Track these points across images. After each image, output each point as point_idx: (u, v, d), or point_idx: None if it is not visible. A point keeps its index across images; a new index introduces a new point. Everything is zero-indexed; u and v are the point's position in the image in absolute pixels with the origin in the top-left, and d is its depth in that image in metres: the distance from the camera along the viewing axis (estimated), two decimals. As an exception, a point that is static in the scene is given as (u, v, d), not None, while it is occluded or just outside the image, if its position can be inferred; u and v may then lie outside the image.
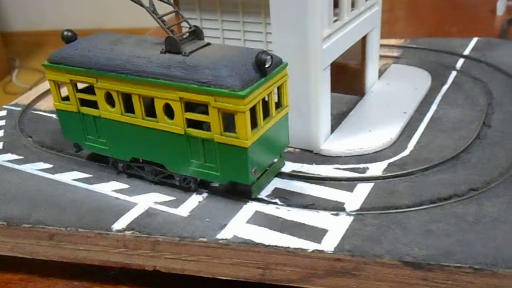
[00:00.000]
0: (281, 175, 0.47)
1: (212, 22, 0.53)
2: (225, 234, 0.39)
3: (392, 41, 0.79)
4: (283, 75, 0.42)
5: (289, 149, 0.51)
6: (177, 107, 0.41)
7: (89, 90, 0.47)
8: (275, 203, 0.43)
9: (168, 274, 0.41)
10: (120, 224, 0.42)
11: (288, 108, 0.44)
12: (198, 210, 0.43)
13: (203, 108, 0.41)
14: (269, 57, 0.39)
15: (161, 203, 0.44)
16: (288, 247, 0.38)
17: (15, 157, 0.54)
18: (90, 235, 0.42)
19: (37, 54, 2.78)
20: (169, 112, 0.42)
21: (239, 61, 0.40)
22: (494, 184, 0.43)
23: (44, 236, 0.43)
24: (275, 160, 0.45)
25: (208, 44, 0.43)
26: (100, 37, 0.48)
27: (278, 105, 0.43)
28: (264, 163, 0.43)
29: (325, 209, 0.42)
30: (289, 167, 0.48)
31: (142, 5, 0.43)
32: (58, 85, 0.48)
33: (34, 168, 0.51)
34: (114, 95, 0.44)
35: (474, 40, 0.77)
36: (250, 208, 0.42)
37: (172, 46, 0.42)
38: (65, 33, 0.48)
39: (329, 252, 0.37)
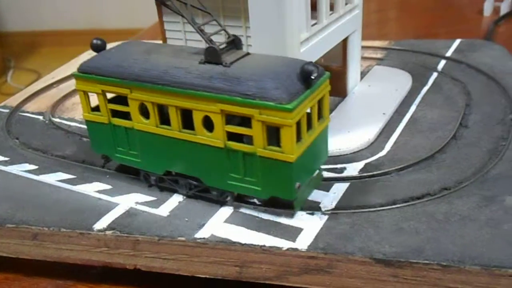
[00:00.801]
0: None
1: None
2: (203, 233, 0.41)
3: (377, 43, 0.80)
4: (326, 86, 0.41)
5: (270, 150, 0.52)
6: (217, 120, 0.39)
7: (119, 100, 0.45)
8: (253, 203, 0.44)
9: (149, 273, 0.42)
10: (101, 224, 0.43)
11: (329, 120, 0.43)
12: (178, 210, 0.44)
13: (238, 120, 0.39)
14: (315, 68, 0.38)
15: (142, 203, 0.45)
16: (264, 246, 0.39)
17: (1, 158, 0.55)
18: (73, 234, 0.43)
19: (32, 54, 2.78)
20: (207, 124, 0.40)
21: (283, 73, 0.38)
22: (466, 184, 0.44)
23: (28, 236, 0.44)
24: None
25: (248, 53, 0.42)
26: (132, 46, 0.46)
27: (319, 116, 0.41)
28: (307, 177, 0.42)
29: (301, 208, 0.43)
30: (268, 167, 0.49)
31: (182, 15, 0.43)
32: (88, 95, 0.46)
33: (20, 169, 0.52)
34: (149, 106, 0.42)
35: (457, 41, 0.78)
36: (228, 208, 0.43)
37: (212, 56, 0.40)
38: (95, 41, 0.46)
39: (303, 250, 0.38)
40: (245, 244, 0.39)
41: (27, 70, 2.54)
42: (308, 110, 0.39)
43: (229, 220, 0.42)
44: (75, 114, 0.64)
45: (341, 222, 0.41)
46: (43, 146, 0.56)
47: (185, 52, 0.44)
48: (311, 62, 0.38)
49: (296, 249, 0.38)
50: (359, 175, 0.46)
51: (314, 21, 0.51)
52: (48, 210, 0.45)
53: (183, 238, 0.40)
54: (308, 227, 0.40)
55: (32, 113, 0.66)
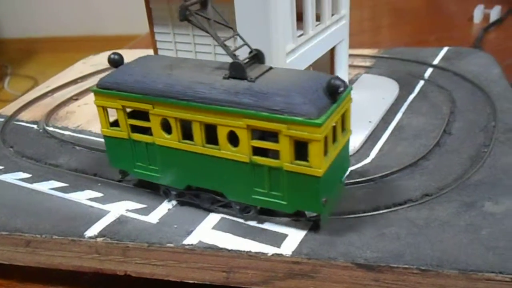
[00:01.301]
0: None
1: (184, 36, 0.55)
2: (191, 239, 0.42)
3: (366, 51, 0.82)
4: (349, 100, 0.41)
5: (258, 157, 0.54)
6: (243, 135, 0.39)
7: (137, 114, 0.45)
8: (240, 209, 0.45)
9: (139, 278, 0.43)
10: (92, 231, 0.44)
11: (350, 132, 0.43)
12: (167, 217, 0.45)
13: (259, 134, 0.40)
14: (341, 82, 0.38)
15: (132, 211, 0.46)
16: (250, 251, 0.40)
17: (-4, 167, 0.56)
18: (64, 242, 0.44)
19: (29, 61, 2.80)
20: (232, 139, 0.40)
21: (309, 87, 0.38)
22: (447, 190, 0.45)
23: (21, 243, 0.45)
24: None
25: (271, 68, 0.43)
26: (152, 61, 0.46)
27: (342, 129, 0.42)
28: (332, 189, 0.41)
29: (287, 215, 0.44)
30: (256, 175, 0.50)
31: (206, 30, 0.42)
32: (107, 111, 0.46)
33: (14, 177, 0.53)
34: (172, 122, 0.42)
35: (445, 49, 0.80)
36: (216, 215, 0.45)
37: (237, 71, 0.40)
38: (112, 56, 0.46)
39: (288, 255, 0.39)
40: (231, 250, 0.41)
41: (24, 76, 2.55)
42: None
43: (217, 227, 0.43)
44: (68, 123, 0.65)
45: (325, 228, 0.42)
46: (36, 154, 0.57)
47: (207, 67, 0.44)
48: (337, 76, 0.39)
49: (280, 255, 0.40)
50: (344, 182, 0.48)
51: (300, 32, 0.53)
52: (41, 217, 0.46)
53: (171, 245, 0.42)
54: (293, 233, 0.42)
55: (27, 122, 0.67)
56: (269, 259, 0.40)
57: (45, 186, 0.51)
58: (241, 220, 0.44)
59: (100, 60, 0.89)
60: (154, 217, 0.45)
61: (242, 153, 0.40)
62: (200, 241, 0.41)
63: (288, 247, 0.40)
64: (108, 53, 0.94)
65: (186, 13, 0.42)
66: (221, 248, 0.41)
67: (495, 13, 1.09)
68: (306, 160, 0.38)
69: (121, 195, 0.48)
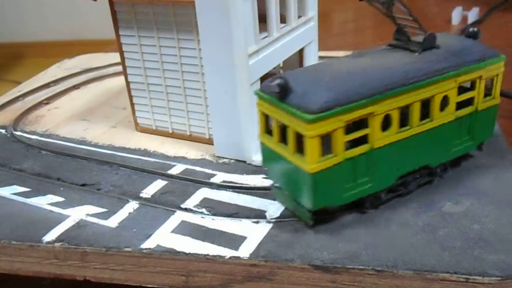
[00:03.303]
0: (211, 185, 0.49)
1: (149, 39, 0.55)
2: (149, 243, 0.41)
3: (341, 53, 0.82)
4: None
5: (224, 160, 0.53)
6: (453, 94, 0.43)
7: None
8: (201, 212, 0.45)
9: (99, 284, 0.43)
10: (51, 236, 0.43)
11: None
12: (127, 221, 0.44)
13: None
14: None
15: (92, 215, 0.45)
16: (208, 255, 0.40)
17: (-41, 173, 0.55)
18: (23, 247, 0.43)
19: (16, 65, 2.77)
20: (441, 105, 0.43)
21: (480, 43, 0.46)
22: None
23: (-20, 249, 0.45)
24: None
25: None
26: (324, 68, 0.41)
27: None
28: None
29: (247, 217, 0.44)
30: (220, 177, 0.50)
31: (386, 14, 0.45)
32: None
33: (-25, 183, 0.53)
34: (394, 114, 0.40)
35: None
36: (176, 218, 0.44)
37: (431, 42, 0.43)
38: (279, 82, 0.38)
39: (245, 258, 0.39)
40: (189, 253, 0.40)
41: (11, 81, 2.54)
42: None
43: (176, 230, 0.43)
44: (37, 127, 0.65)
45: (284, 230, 0.42)
46: (1, 159, 0.57)
47: (382, 53, 0.44)
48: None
49: (238, 258, 0.39)
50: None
51: (265, 34, 0.53)
52: (1, 223, 0.46)
53: (129, 249, 0.41)
54: (252, 235, 0.41)
55: (-7, 126, 0.66)
56: (227, 262, 0.39)
57: (7, 191, 0.50)
58: (201, 223, 0.43)
59: (74, 64, 0.89)
60: (114, 221, 0.44)
61: (449, 113, 0.44)
62: (158, 245, 0.41)
63: (246, 250, 0.40)
64: (82, 56, 0.94)
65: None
66: (179, 252, 0.40)
67: (473, 15, 1.10)
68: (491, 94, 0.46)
69: (83, 200, 0.48)
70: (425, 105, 0.42)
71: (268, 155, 0.42)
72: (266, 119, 0.42)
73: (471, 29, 0.46)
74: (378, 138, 0.40)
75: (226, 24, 0.46)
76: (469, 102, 0.45)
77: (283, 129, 0.39)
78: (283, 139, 0.40)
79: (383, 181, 0.42)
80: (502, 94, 0.52)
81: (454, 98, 0.43)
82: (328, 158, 0.38)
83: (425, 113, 0.42)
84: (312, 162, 0.37)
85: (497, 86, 0.46)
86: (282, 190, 0.43)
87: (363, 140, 0.40)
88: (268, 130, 0.42)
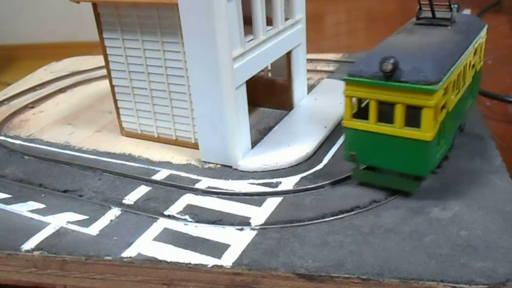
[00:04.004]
0: (196, 191, 0.48)
1: (134, 42, 0.54)
2: (130, 252, 0.40)
3: (330, 56, 0.81)
4: None
5: (210, 165, 0.52)
6: (472, 59, 0.49)
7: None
8: (184, 219, 0.44)
9: (80, 292, 0.42)
10: (30, 244, 0.42)
11: None
12: (108, 228, 0.43)
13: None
14: None
15: (73, 223, 0.44)
16: (190, 263, 0.39)
17: None
18: (1, 255, 0.42)
19: (11, 68, 2.75)
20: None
21: None
22: (395, 196, 0.44)
23: (-41, 258, 0.43)
24: None
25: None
26: (399, 46, 0.44)
27: None
28: None
29: (231, 224, 0.43)
30: (205, 183, 0.49)
31: None
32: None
33: (-45, 189, 0.51)
34: (458, 79, 0.45)
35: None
36: (159, 225, 0.43)
37: (455, 18, 0.48)
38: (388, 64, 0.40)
39: (228, 266, 0.38)
40: (171, 262, 0.39)
41: (6, 84, 2.52)
42: None
43: (158, 238, 0.42)
44: (21, 132, 0.64)
45: (268, 237, 0.41)
46: (-19, 165, 0.56)
47: (423, 31, 0.47)
48: None
49: (221, 266, 0.38)
50: (293, 189, 0.47)
51: (251, 37, 0.52)
52: (-21, 231, 0.45)
53: (109, 258, 0.40)
54: (236, 243, 0.40)
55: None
56: (210, 270, 0.39)
57: (-13, 198, 0.49)
58: (184, 231, 0.42)
59: (62, 67, 0.87)
60: (94, 228, 0.43)
61: (471, 75, 0.50)
62: (139, 253, 0.40)
63: (229, 258, 0.39)
64: (70, 59, 0.93)
65: None
66: (161, 261, 0.39)
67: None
68: None
69: (64, 206, 0.47)
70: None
71: (358, 138, 0.44)
72: (352, 104, 0.44)
73: (455, 5, 0.49)
74: (451, 102, 0.44)
75: (210, 27, 0.45)
76: (473, 65, 0.50)
77: (384, 108, 0.42)
78: (383, 118, 0.42)
79: (449, 141, 0.47)
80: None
81: (472, 62, 0.49)
82: (435, 126, 0.41)
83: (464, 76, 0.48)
84: (430, 130, 0.40)
85: (483, 51, 0.53)
86: (377, 168, 0.45)
87: None
88: (354, 115, 0.44)
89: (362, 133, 0.43)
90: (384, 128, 0.42)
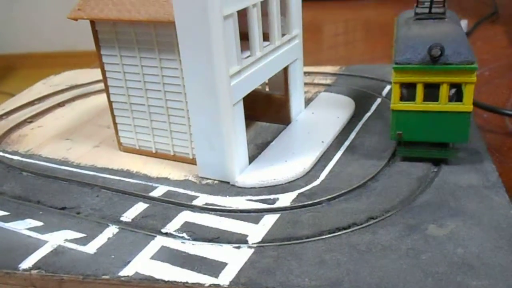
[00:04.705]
0: (193, 208, 0.48)
1: (131, 59, 0.54)
2: (128, 271, 0.40)
3: (328, 68, 0.82)
4: None
5: (207, 181, 0.53)
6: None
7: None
8: (182, 237, 0.44)
9: (77, 311, 0.42)
10: (27, 263, 0.42)
11: None
12: (105, 246, 0.43)
13: None
14: None
15: (71, 241, 0.44)
16: (187, 282, 0.39)
17: None
18: (-1, 274, 0.43)
19: (8, 77, 2.76)
20: None
21: None
22: (392, 212, 0.45)
23: (-44, 277, 0.43)
24: None
25: None
26: (427, 35, 0.50)
27: None
28: None
29: (229, 242, 0.43)
30: (203, 199, 0.49)
31: None
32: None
33: (-46, 207, 0.51)
34: None
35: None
36: (157, 243, 0.43)
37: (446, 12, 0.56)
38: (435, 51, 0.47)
39: (225, 286, 0.38)
40: (168, 281, 0.39)
41: (3, 93, 2.52)
42: None
43: (155, 257, 0.42)
44: (19, 147, 0.64)
45: (266, 255, 0.41)
46: (-20, 182, 0.56)
47: (428, 24, 0.54)
48: None
49: (218, 285, 0.38)
50: (290, 205, 0.47)
51: (248, 53, 0.52)
52: (-23, 249, 0.45)
53: (107, 277, 0.40)
54: (233, 261, 0.40)
55: (-23, 147, 0.65)
56: (207, 289, 0.39)
57: (-15, 216, 0.49)
58: (181, 249, 0.42)
59: (60, 80, 0.88)
60: (92, 246, 0.43)
61: None
62: (136, 272, 0.40)
63: (226, 277, 0.39)
64: (68, 72, 0.93)
65: None
66: (158, 280, 0.39)
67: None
68: None
69: (61, 224, 0.47)
70: None
71: (406, 118, 0.50)
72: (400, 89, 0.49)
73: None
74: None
75: (207, 45, 0.46)
76: None
77: (430, 89, 0.48)
78: (428, 97, 0.49)
79: None
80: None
81: None
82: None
83: None
84: (470, 103, 0.48)
85: None
86: (422, 142, 0.51)
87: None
88: (401, 98, 0.50)
89: (409, 113, 0.50)
90: (431, 106, 0.49)
